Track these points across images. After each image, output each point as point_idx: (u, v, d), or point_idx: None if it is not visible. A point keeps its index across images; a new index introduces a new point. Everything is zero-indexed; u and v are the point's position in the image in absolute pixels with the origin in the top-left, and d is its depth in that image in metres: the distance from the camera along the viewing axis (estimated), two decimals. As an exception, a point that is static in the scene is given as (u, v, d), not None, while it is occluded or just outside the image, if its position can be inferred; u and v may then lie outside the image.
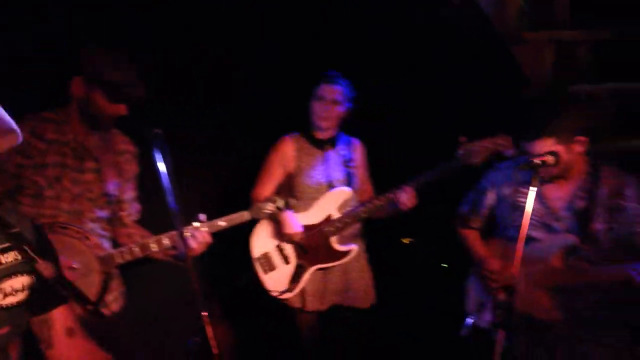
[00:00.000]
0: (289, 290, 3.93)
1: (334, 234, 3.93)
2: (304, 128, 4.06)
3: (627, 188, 3.00)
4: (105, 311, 3.15)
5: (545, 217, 3.09)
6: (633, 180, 3.03)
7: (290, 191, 4.02)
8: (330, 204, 3.96)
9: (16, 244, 1.93)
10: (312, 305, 3.98)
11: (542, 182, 2.98)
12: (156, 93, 3.97)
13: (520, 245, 2.64)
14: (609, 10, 4.95)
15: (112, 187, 3.17)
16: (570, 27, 5.01)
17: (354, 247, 3.98)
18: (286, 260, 3.97)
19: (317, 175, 3.99)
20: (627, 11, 4.84)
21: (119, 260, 3.09)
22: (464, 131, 3.66)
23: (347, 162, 4.04)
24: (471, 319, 3.24)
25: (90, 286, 3.01)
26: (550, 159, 2.83)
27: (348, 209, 3.96)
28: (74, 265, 2.96)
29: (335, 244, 3.96)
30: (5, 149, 1.85)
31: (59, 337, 2.10)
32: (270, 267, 3.96)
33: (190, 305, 2.63)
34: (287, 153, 4.01)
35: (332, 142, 4.05)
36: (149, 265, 3.57)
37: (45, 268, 1.96)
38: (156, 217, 2.96)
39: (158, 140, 2.75)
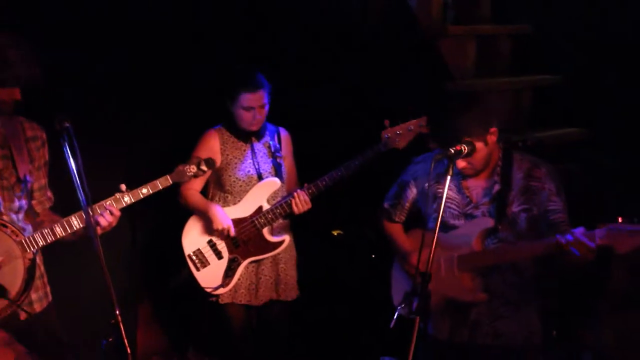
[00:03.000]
0: (223, 285, 3.90)
1: (265, 225, 3.92)
2: (226, 120, 3.99)
3: (538, 171, 3.15)
4: (27, 309, 3.00)
5: (466, 207, 3.17)
6: (543, 163, 3.20)
7: (220, 185, 3.99)
8: (261, 195, 3.94)
9: None
10: (243, 298, 3.96)
11: (465, 177, 3.07)
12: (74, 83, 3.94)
13: (435, 231, 2.74)
14: (528, 5, 5.13)
15: (27, 174, 3.04)
16: (492, 22, 5.17)
17: (286, 238, 3.98)
18: (219, 255, 3.93)
19: (245, 167, 3.97)
20: (546, 6, 5.02)
21: (41, 242, 2.97)
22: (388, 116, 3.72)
23: (274, 153, 4.04)
24: (399, 310, 3.27)
25: (14, 275, 2.91)
26: (465, 148, 2.91)
27: (278, 199, 3.97)
28: (2, 258, 2.86)
29: (268, 235, 3.95)
30: None
31: None
32: (203, 263, 3.92)
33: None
34: (213, 147, 3.95)
35: (257, 135, 4.01)
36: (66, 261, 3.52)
37: None
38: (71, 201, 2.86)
39: (67, 133, 2.68)
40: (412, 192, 3.40)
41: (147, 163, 4.03)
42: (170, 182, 3.22)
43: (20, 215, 3.03)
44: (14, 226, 2.94)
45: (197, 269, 3.92)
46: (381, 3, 4.84)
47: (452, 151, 2.88)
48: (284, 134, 4.12)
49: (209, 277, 3.91)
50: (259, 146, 4.02)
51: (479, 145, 3.00)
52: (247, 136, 4.00)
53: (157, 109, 4.40)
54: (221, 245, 3.93)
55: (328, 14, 4.77)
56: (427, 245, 3.10)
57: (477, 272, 3.15)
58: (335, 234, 4.82)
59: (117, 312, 2.52)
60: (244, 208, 3.94)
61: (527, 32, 5.12)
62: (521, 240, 3.11)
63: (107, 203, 3.06)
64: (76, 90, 3.96)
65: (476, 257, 3.13)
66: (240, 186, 3.95)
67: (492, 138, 3.05)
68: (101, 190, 3.04)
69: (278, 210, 3.90)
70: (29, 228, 3.05)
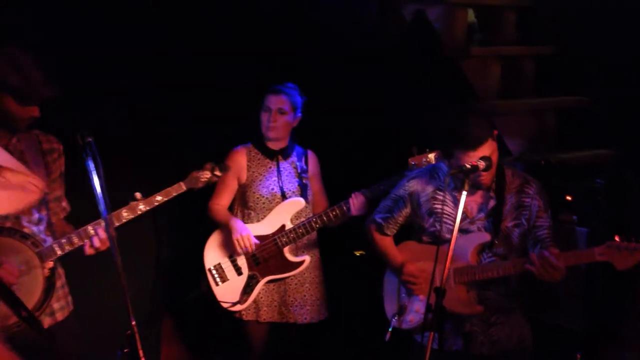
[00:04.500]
0: (241, 302, 3.91)
1: (287, 244, 3.93)
2: (256, 139, 4.07)
3: (529, 187, 3.24)
4: (48, 320, 3.09)
5: (461, 222, 3.19)
6: (533, 180, 3.29)
7: (244, 201, 4.02)
8: (284, 214, 3.97)
9: None
10: (266, 315, 3.97)
11: (459, 189, 3.03)
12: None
13: (451, 249, 2.77)
14: (553, 26, 5.12)
15: (43, 186, 3.08)
16: (516, 43, 5.15)
17: (306, 258, 3.99)
18: (239, 271, 3.95)
19: (269, 185, 4.00)
20: (571, 27, 5.00)
21: (59, 252, 3.05)
22: (415, 142, 3.72)
23: (300, 174, 4.06)
24: (393, 322, 3.38)
25: (34, 284, 2.98)
26: (482, 164, 2.92)
27: (302, 219, 3.98)
28: (21, 267, 2.93)
29: (289, 254, 3.96)
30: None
31: None
32: (222, 278, 3.94)
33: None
34: (240, 163, 4.00)
35: (283, 153, 4.06)
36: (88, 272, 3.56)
37: None
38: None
39: (90, 148, 2.77)
40: (407, 207, 3.43)
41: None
42: (184, 188, 3.28)
43: (42, 227, 3.11)
44: (34, 238, 3.02)
45: (216, 284, 3.94)
46: (405, 24, 4.85)
47: (469, 167, 2.89)
48: (311, 155, 4.16)
49: (227, 292, 3.93)
50: (285, 165, 4.05)
51: (491, 148, 3.03)
52: (273, 154, 4.03)
53: (185, 124, 4.49)
54: (241, 261, 3.94)
55: (351, 35, 4.81)
56: (424, 258, 3.26)
57: (472, 284, 3.23)
58: (358, 254, 4.82)
59: (133, 323, 2.55)
60: (266, 226, 3.96)
61: (552, 53, 5.10)
62: (513, 254, 3.23)
63: (124, 212, 3.13)
64: (97, 101, 4.07)
65: (472, 270, 3.21)
66: (264, 203, 3.97)
67: (495, 144, 3.08)
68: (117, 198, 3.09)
69: (300, 230, 3.91)
70: (50, 239, 3.12)
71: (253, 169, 4.00)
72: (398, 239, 3.55)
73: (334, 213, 3.86)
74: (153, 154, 4.42)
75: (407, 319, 3.38)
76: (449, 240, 2.80)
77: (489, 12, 5.15)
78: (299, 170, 4.06)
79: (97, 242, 3.09)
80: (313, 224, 3.89)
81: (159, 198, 3.22)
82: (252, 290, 3.92)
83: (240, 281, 3.94)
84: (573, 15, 4.96)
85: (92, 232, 3.10)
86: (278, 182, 4.01)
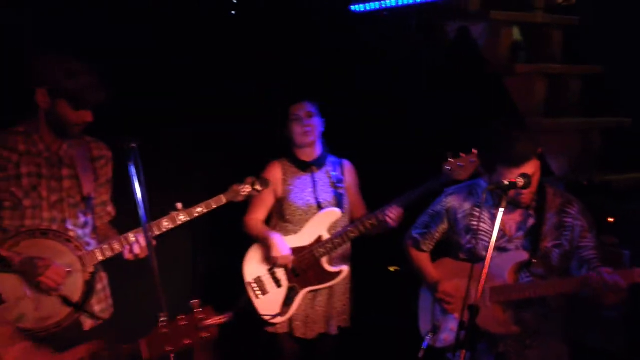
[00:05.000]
0: (282, 314, 3.90)
1: (324, 255, 3.93)
2: (288, 153, 4.08)
3: (571, 207, 3.16)
4: (90, 321, 3.15)
5: (499, 240, 3.16)
6: (575, 200, 3.20)
7: (280, 214, 4.03)
8: (321, 225, 3.96)
9: None
10: (299, 331, 3.97)
11: (497, 206, 2.92)
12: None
13: (486, 266, 2.69)
14: (600, 46, 5.06)
15: (91, 192, 3.19)
16: (563, 62, 5.11)
17: (344, 268, 3.98)
18: (278, 283, 3.95)
19: (305, 197, 4.00)
20: (617, 47, 4.94)
21: (100, 257, 3.09)
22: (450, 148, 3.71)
23: (336, 184, 4.06)
24: (427, 340, 3.31)
25: (74, 287, 3.03)
26: (520, 181, 2.87)
27: (338, 229, 3.97)
28: (68, 269, 2.99)
29: (326, 265, 3.95)
30: None
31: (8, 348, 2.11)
32: (262, 291, 3.95)
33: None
34: (275, 176, 4.01)
35: (317, 163, 4.06)
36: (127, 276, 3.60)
37: None
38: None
39: (133, 154, 2.79)
40: (444, 223, 3.39)
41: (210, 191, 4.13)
42: (225, 201, 3.31)
43: (87, 230, 3.18)
44: (78, 241, 3.08)
45: (257, 297, 3.94)
46: (448, 41, 4.85)
47: (507, 183, 2.85)
48: (347, 165, 4.15)
49: (268, 305, 3.93)
50: (319, 175, 4.05)
51: (535, 167, 2.98)
52: (307, 166, 4.04)
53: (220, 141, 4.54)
54: (281, 274, 3.94)
55: (393, 50, 4.83)
56: (460, 277, 3.15)
57: (509, 304, 3.15)
58: (392, 270, 4.79)
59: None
60: (303, 237, 3.96)
61: (599, 72, 5.03)
62: (553, 275, 3.13)
63: (164, 222, 3.17)
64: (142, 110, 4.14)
65: (509, 289, 3.13)
66: (300, 215, 3.98)
67: (538, 163, 3.03)
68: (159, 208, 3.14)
69: (337, 240, 3.90)
70: (94, 243, 3.18)
71: (288, 181, 4.02)
72: (436, 256, 3.52)
73: (370, 222, 3.83)
74: (194, 165, 4.47)
75: (441, 338, 3.34)
76: (485, 258, 2.76)
77: (535, 30, 5.11)
78: (334, 180, 4.05)
79: (137, 249, 3.14)
80: (349, 234, 3.88)
81: (199, 209, 3.25)
82: (292, 302, 3.92)
83: (280, 293, 3.94)
84: (619, 35, 4.90)
85: (132, 239, 3.14)
86: (313, 193, 4.01)
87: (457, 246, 3.35)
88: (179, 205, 3.21)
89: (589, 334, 3.84)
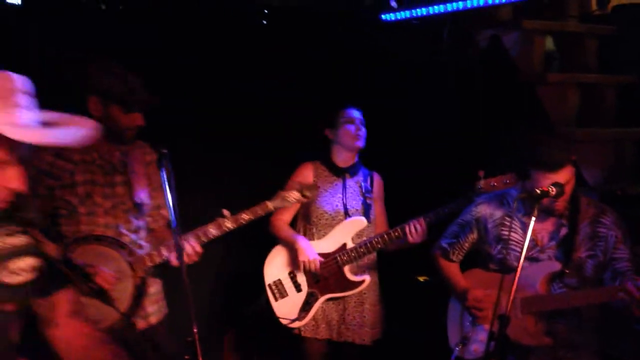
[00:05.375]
0: (299, 318, 3.88)
1: (347, 263, 3.89)
2: (323, 155, 4.08)
3: (605, 217, 3.10)
4: (142, 323, 3.19)
5: (530, 250, 3.11)
6: (610, 210, 3.14)
7: (306, 217, 4.01)
8: (346, 232, 3.93)
9: (27, 228, 2.02)
10: (325, 333, 3.94)
11: (528, 215, 2.91)
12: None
13: (517, 275, 2.64)
14: (634, 55, 4.97)
15: (144, 196, 3.24)
16: (597, 71, 5.02)
17: (366, 278, 3.93)
18: (298, 288, 3.93)
19: (334, 202, 3.98)
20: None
21: (149, 263, 3.13)
22: (482, 166, 3.65)
23: (364, 193, 4.03)
24: (456, 351, 3.27)
25: (123, 292, 3.07)
26: (553, 190, 2.81)
27: (363, 239, 3.93)
28: (116, 275, 3.04)
29: (349, 273, 3.91)
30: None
31: (63, 318, 2.16)
32: (281, 294, 3.93)
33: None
34: (307, 177, 4.00)
35: (351, 171, 4.05)
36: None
37: (51, 249, 2.02)
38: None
39: (164, 160, 2.79)
40: (474, 232, 3.34)
41: (240, 191, 4.13)
42: (271, 208, 3.29)
43: (141, 234, 3.23)
44: (130, 247, 3.12)
45: (275, 299, 3.93)
46: (478, 48, 4.81)
47: (539, 192, 2.79)
48: (377, 178, 4.14)
49: (286, 308, 3.91)
50: (350, 182, 4.04)
51: (569, 174, 2.93)
52: (340, 172, 4.03)
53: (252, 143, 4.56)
54: (301, 278, 3.92)
55: (423, 59, 4.80)
56: (490, 287, 3.10)
57: (541, 315, 3.09)
58: (422, 279, 4.72)
59: (195, 330, 2.55)
60: (328, 244, 3.94)
61: (633, 82, 4.94)
62: (586, 286, 3.07)
63: (210, 228, 3.18)
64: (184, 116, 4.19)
65: (541, 300, 3.07)
66: (327, 219, 3.96)
67: (573, 170, 2.97)
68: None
69: (362, 249, 3.87)
70: (148, 246, 3.23)
71: (319, 184, 4.00)
72: (464, 267, 3.47)
73: (396, 234, 3.79)
74: (232, 172, 4.51)
75: (471, 349, 3.28)
76: (516, 268, 2.70)
77: (569, 39, 5.04)
78: (363, 190, 4.03)
79: (188, 248, 3.14)
80: (374, 244, 3.84)
81: (245, 216, 3.23)
82: (310, 308, 3.90)
83: (299, 298, 3.92)
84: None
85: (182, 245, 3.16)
86: (342, 199, 3.99)
87: (487, 256, 3.30)
88: (226, 212, 3.20)
89: (622, 345, 3.73)
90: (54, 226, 3.09)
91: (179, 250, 2.81)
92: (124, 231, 3.16)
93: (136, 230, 3.21)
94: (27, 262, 2.01)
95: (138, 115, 3.11)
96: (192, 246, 3.12)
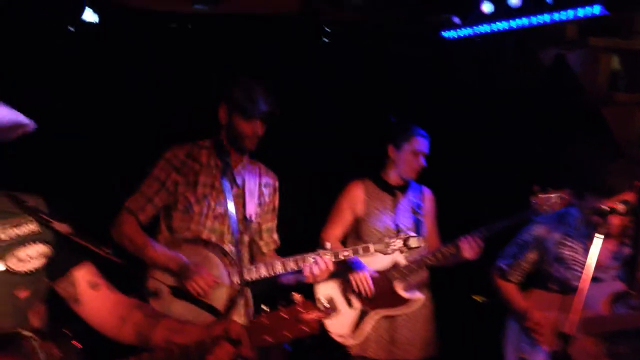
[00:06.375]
0: (352, 335, 3.88)
1: (399, 280, 3.88)
2: (373, 172, 4.08)
3: None
4: None
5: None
6: None
7: (357, 235, 4.02)
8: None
9: (32, 214, 2.07)
10: (373, 352, 3.92)
11: (589, 236, 2.86)
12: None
13: (582, 296, 2.63)
14: None
15: (252, 214, 3.40)
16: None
17: (419, 296, 3.91)
18: (349, 303, 3.93)
19: (385, 220, 3.98)
20: None
21: (247, 277, 3.25)
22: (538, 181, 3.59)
23: (416, 210, 4.01)
24: None
25: (218, 300, 3.21)
26: (621, 207, 2.75)
27: (415, 256, 3.91)
28: (218, 281, 3.19)
29: (400, 290, 3.90)
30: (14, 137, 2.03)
31: (86, 292, 2.19)
32: (333, 308, 3.94)
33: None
34: (357, 197, 4.02)
35: (402, 188, 4.04)
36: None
37: (62, 227, 2.06)
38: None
39: (227, 170, 3.14)
40: (533, 252, 3.28)
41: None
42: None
43: (241, 249, 3.35)
44: (232, 257, 3.26)
45: None
46: (541, 66, 4.73)
47: (607, 209, 2.74)
48: (427, 193, 4.12)
49: (337, 324, 3.91)
50: (401, 199, 4.03)
51: (628, 199, 2.90)
52: (391, 189, 4.02)
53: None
54: (353, 294, 3.92)
55: (486, 77, 4.76)
56: (551, 307, 2.99)
57: (603, 336, 3.01)
58: (479, 299, 4.65)
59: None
60: (379, 261, 3.90)
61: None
62: None
63: (310, 258, 3.33)
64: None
65: (603, 321, 3.01)
66: (378, 238, 3.94)
67: (632, 195, 2.90)
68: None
69: (414, 267, 3.85)
70: (246, 262, 3.39)
71: (370, 202, 4.01)
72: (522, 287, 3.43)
73: (449, 250, 3.76)
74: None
75: None
76: (577, 288, 2.66)
77: (636, 57, 4.89)
78: (414, 207, 4.01)
79: (315, 270, 3.31)
80: (426, 261, 3.82)
81: (345, 254, 3.40)
82: (363, 324, 3.89)
83: (351, 314, 3.92)
84: None
85: (280, 269, 3.32)
86: (393, 217, 3.98)
87: (547, 276, 3.26)
88: (328, 245, 3.37)
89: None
90: (167, 219, 3.31)
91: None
92: (227, 241, 3.31)
93: (237, 244, 3.25)
94: (35, 249, 2.07)
95: (257, 122, 3.25)
96: (325, 262, 3.29)
